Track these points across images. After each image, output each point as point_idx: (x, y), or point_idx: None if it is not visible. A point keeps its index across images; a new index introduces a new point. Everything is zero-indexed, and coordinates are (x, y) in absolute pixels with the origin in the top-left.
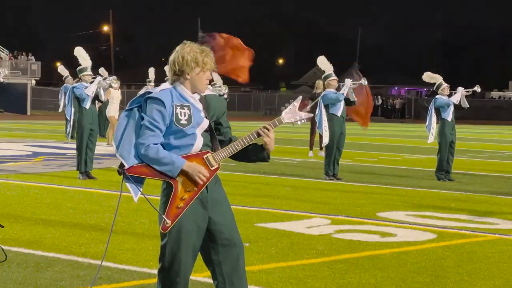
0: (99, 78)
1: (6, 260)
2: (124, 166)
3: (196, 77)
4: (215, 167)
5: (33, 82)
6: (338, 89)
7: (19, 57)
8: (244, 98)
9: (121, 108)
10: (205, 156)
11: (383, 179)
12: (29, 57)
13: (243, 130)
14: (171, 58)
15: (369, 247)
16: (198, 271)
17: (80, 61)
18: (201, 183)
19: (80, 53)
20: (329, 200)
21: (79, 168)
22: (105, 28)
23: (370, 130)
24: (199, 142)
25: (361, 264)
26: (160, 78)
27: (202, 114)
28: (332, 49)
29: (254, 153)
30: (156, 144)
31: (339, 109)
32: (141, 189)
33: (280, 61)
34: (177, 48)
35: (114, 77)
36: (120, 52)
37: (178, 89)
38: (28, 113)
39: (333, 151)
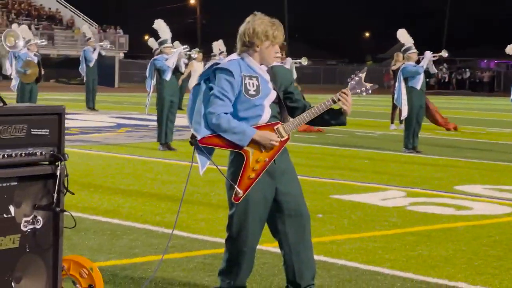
0: (179, 50)
1: (84, 228)
2: (195, 137)
3: (266, 50)
4: (285, 137)
5: (121, 55)
6: (418, 62)
7: (107, 30)
8: (330, 71)
9: None
10: (275, 127)
11: (463, 153)
12: (117, 30)
13: None
14: (241, 29)
15: (443, 220)
16: (269, 241)
17: (160, 33)
18: (273, 152)
19: (160, 25)
20: (406, 173)
21: (159, 140)
22: (192, 1)
23: (455, 103)
24: (267, 113)
25: (433, 237)
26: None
27: (270, 85)
28: (420, 22)
29: (333, 118)
30: (227, 113)
31: (419, 82)
32: (210, 160)
33: (367, 34)
34: (248, 19)
35: (196, 49)
36: (207, 25)
37: (246, 60)
38: (116, 85)
39: (412, 124)
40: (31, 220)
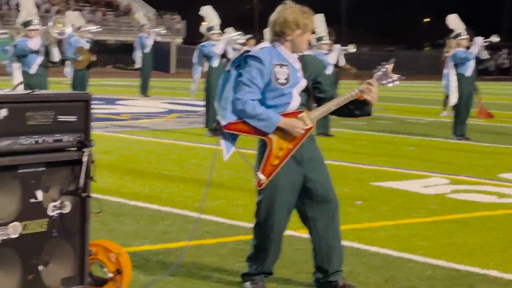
0: (227, 36)
1: (122, 213)
2: (220, 123)
3: (297, 39)
4: (309, 126)
5: (179, 41)
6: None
7: (163, 16)
8: (387, 57)
9: None
10: (299, 115)
11: None
12: (173, 16)
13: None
14: (272, 18)
15: (482, 208)
16: (302, 227)
17: (207, 20)
18: (297, 139)
19: (208, 12)
20: (451, 160)
21: (207, 125)
22: None
23: (508, 89)
24: (295, 101)
25: (470, 224)
26: None
27: (300, 74)
28: (475, 8)
29: (357, 108)
30: (253, 100)
31: (468, 69)
32: (234, 145)
33: (425, 19)
34: (278, 8)
35: (248, 35)
36: (264, 11)
37: (278, 48)
38: (172, 71)
39: (461, 110)
40: (58, 205)
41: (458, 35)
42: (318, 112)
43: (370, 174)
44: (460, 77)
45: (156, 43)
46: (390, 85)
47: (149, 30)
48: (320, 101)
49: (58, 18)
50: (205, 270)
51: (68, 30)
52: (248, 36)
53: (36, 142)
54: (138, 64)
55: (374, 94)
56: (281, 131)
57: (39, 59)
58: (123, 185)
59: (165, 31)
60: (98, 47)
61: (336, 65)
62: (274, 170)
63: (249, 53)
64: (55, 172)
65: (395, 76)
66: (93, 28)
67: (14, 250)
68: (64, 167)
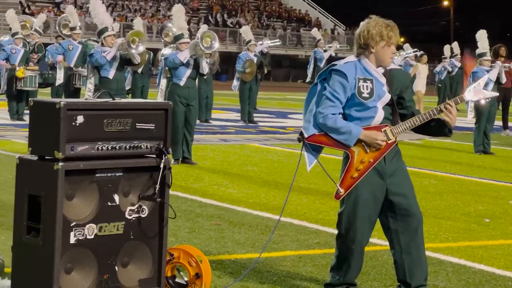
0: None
1: (238, 222)
2: (303, 134)
3: (381, 51)
4: (392, 140)
5: None
6: None
7: (354, 30)
8: None
9: (427, 83)
10: (383, 129)
11: None
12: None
13: None
14: (357, 31)
15: None
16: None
17: None
18: (378, 153)
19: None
20: None
21: None
22: (445, 2)
23: None
24: (380, 115)
25: None
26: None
27: (385, 88)
28: None
29: (436, 128)
30: (334, 114)
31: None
32: (317, 158)
33: None
34: (363, 22)
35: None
36: (460, 26)
37: (363, 62)
38: None
39: (480, 126)
40: (136, 209)
41: (482, 55)
42: (402, 127)
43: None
44: None
45: (339, 59)
46: (482, 102)
47: (324, 46)
48: (401, 117)
49: (206, 32)
50: (297, 279)
51: (216, 44)
52: (421, 52)
53: (113, 148)
54: (308, 79)
55: (452, 115)
56: (362, 144)
57: (189, 71)
58: (255, 196)
59: (338, 46)
60: (278, 61)
61: (498, 82)
62: (353, 183)
63: (334, 67)
64: (133, 177)
65: (488, 93)
66: (274, 42)
67: (90, 250)
68: (142, 173)
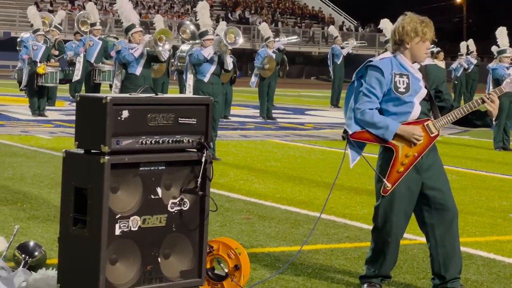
0: None
1: (270, 216)
2: (347, 132)
3: (416, 47)
4: (435, 134)
5: (380, 52)
6: None
7: (366, 28)
8: None
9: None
10: (425, 123)
11: None
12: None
13: None
14: (392, 28)
15: None
16: (418, 233)
17: (386, 32)
18: (422, 147)
19: (387, 24)
20: None
21: None
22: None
23: None
24: (416, 110)
25: None
26: None
27: (421, 83)
28: None
29: (478, 119)
30: (371, 109)
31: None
32: (361, 154)
33: None
34: (399, 19)
35: (437, 48)
36: (473, 24)
37: (398, 58)
38: None
39: (501, 123)
40: (178, 202)
41: (502, 52)
42: (443, 120)
43: None
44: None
45: (357, 55)
46: None
47: (341, 43)
48: (440, 110)
49: (231, 28)
50: (330, 272)
51: (240, 40)
52: (437, 49)
53: (157, 142)
54: (331, 75)
55: (495, 105)
56: (402, 139)
57: (212, 67)
58: (281, 191)
59: (356, 43)
60: (292, 58)
61: None
62: (400, 177)
63: (370, 63)
64: (175, 171)
65: None
66: (291, 39)
67: (134, 241)
68: (184, 167)
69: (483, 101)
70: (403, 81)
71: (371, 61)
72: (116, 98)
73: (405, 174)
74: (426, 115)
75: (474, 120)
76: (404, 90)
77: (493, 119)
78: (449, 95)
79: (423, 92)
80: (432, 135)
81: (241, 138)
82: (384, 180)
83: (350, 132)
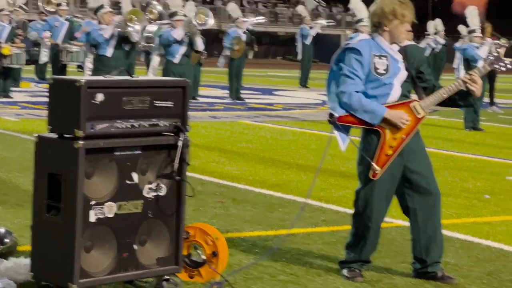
0: None
1: (243, 200)
2: (333, 115)
3: (395, 29)
4: (421, 115)
5: (348, 32)
6: None
7: (333, 8)
8: None
9: None
10: (411, 104)
11: None
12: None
13: None
14: (371, 9)
15: None
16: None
17: (356, 13)
18: (409, 128)
19: (357, 4)
20: None
21: None
22: None
23: None
24: (396, 92)
25: None
26: None
27: (401, 64)
28: None
29: (461, 99)
30: (358, 92)
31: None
32: (349, 136)
33: None
34: (377, 0)
35: None
36: (439, 3)
37: (377, 39)
38: None
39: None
40: (154, 188)
41: (472, 31)
42: (429, 100)
43: (507, 169)
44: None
45: (325, 36)
46: (503, 69)
47: (310, 23)
48: (424, 91)
49: (200, 9)
50: (309, 256)
51: (211, 21)
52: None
53: (132, 126)
54: (299, 56)
55: (478, 85)
56: (388, 122)
57: (183, 49)
58: (254, 173)
59: (325, 23)
60: (258, 38)
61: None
62: (388, 160)
63: (348, 46)
64: (151, 155)
65: (507, 60)
66: (259, 19)
67: (110, 228)
68: (160, 151)
69: (465, 82)
70: (382, 62)
71: (349, 43)
72: (90, 81)
73: (394, 156)
74: (407, 97)
75: (457, 100)
76: (384, 72)
77: (476, 98)
78: (430, 75)
79: (403, 73)
80: (419, 116)
81: (211, 119)
82: (373, 163)
83: (337, 115)
